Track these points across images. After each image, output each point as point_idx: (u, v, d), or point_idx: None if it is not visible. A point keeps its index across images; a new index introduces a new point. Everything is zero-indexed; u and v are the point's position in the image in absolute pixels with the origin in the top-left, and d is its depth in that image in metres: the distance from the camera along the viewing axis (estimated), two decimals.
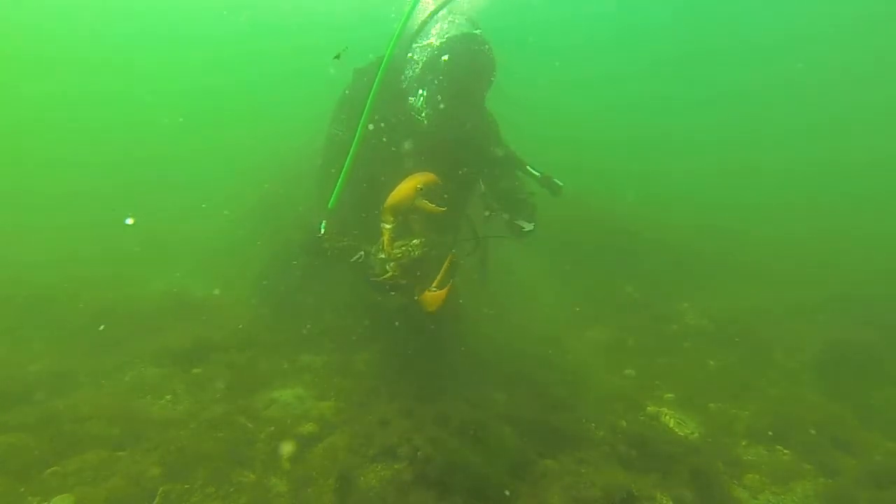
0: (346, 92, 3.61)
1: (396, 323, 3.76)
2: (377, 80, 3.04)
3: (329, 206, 2.96)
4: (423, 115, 3.24)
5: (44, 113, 13.71)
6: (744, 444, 3.38)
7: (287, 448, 2.75)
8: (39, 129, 12.99)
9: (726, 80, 21.15)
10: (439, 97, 3.20)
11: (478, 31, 3.34)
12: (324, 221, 3.03)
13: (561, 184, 3.41)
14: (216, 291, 5.32)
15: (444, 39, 3.27)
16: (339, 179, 2.96)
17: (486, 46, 3.24)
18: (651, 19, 20.04)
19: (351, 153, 2.94)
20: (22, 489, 2.34)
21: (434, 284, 2.73)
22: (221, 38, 18.19)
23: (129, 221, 6.13)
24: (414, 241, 2.77)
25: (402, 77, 3.36)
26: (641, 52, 21.59)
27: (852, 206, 11.97)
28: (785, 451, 3.28)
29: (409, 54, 3.35)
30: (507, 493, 2.46)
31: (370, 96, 3.02)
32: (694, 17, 19.28)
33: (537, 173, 3.46)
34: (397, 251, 2.73)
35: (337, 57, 3.22)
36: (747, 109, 21.00)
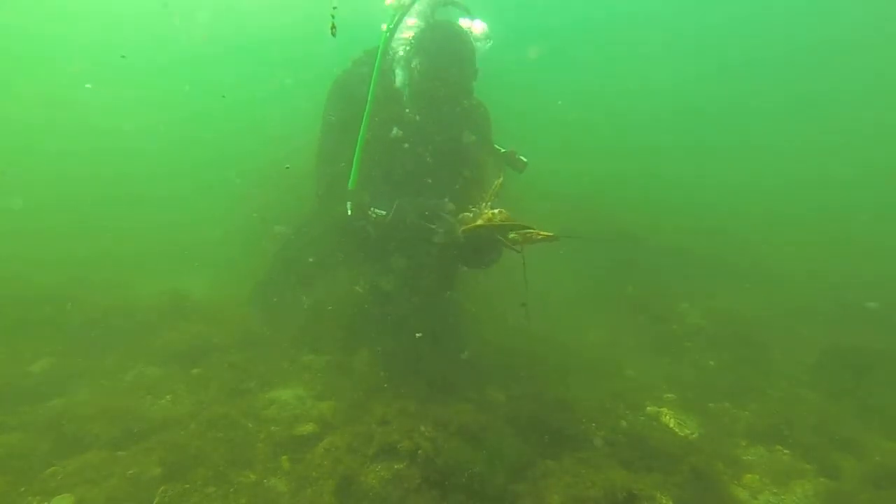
0: (339, 80, 3.70)
1: (397, 323, 3.77)
2: (375, 68, 3.11)
3: (350, 186, 3.09)
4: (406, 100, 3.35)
5: (49, 112, 13.75)
6: (744, 444, 3.39)
7: (287, 448, 2.75)
8: (44, 129, 13.02)
9: (730, 87, 21.24)
10: (416, 82, 3.34)
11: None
12: (349, 202, 3.14)
13: (525, 160, 3.47)
14: (216, 292, 5.32)
15: (418, 31, 3.38)
16: (355, 161, 3.05)
17: (461, 33, 3.34)
18: (660, 32, 20.09)
19: (360, 137, 3.04)
20: (22, 489, 2.34)
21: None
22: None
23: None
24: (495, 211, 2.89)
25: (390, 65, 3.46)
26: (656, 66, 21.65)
27: (852, 211, 12.05)
28: (785, 451, 3.28)
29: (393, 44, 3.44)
30: (508, 493, 2.46)
31: (371, 87, 3.08)
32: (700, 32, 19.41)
33: (502, 150, 3.53)
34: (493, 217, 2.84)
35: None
36: (751, 117, 21.14)
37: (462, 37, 3.41)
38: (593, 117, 19.66)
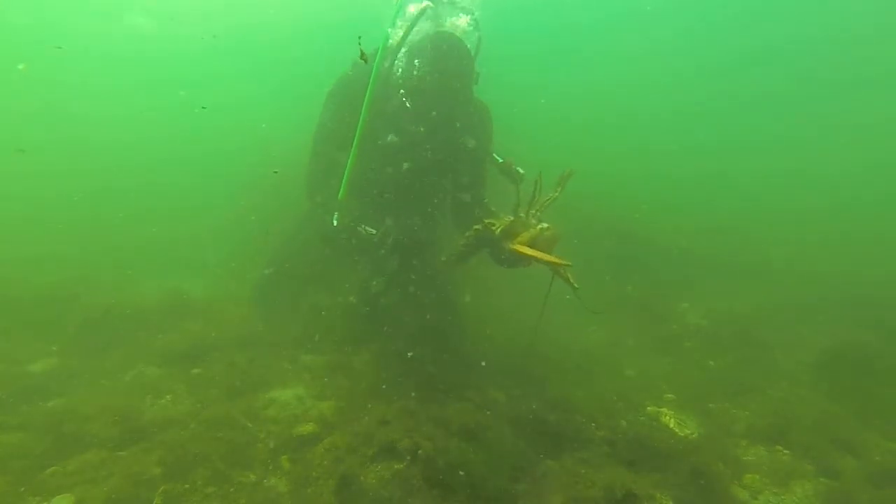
0: (338, 85, 3.69)
1: (397, 323, 3.77)
2: (372, 75, 3.09)
3: (339, 196, 3.05)
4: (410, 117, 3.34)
5: (49, 105, 13.76)
6: (744, 444, 3.38)
7: (287, 448, 2.75)
8: (42, 125, 13.03)
9: (730, 86, 21.26)
10: (415, 103, 3.30)
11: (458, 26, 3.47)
12: (336, 213, 3.12)
13: (522, 172, 3.45)
14: (216, 291, 5.32)
15: (412, 46, 3.35)
16: (346, 172, 3.03)
17: (457, 44, 3.32)
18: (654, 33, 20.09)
19: (353, 149, 3.01)
20: (22, 489, 2.34)
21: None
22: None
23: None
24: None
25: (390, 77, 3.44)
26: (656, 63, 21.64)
27: (853, 209, 12.05)
28: (785, 451, 3.28)
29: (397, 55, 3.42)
30: (508, 493, 2.46)
31: (367, 92, 3.07)
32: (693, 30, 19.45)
33: (500, 160, 3.50)
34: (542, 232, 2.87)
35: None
36: (751, 116, 21.16)
37: (461, 44, 3.39)
38: (593, 117, 19.68)
